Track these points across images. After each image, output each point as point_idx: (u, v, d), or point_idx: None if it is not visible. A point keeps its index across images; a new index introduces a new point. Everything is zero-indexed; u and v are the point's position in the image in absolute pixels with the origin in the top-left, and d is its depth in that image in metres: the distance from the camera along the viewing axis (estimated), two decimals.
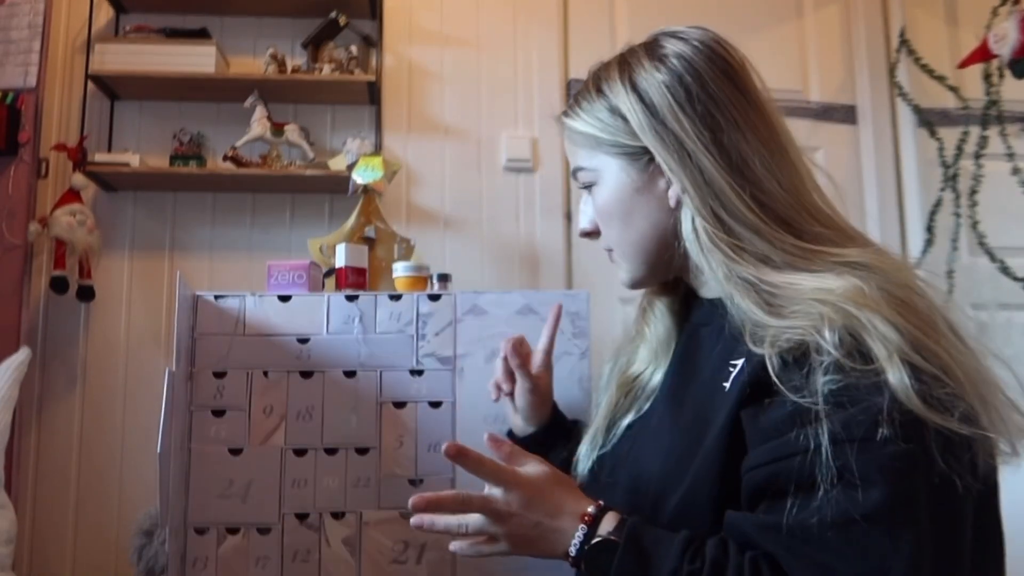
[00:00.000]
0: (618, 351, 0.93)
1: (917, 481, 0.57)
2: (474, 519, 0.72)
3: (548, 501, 0.72)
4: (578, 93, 0.83)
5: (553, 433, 1.03)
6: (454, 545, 0.75)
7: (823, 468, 0.58)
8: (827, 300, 0.62)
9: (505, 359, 1.00)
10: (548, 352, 1.03)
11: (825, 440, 0.58)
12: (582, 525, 0.70)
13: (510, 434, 1.07)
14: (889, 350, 0.59)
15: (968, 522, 0.59)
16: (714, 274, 0.71)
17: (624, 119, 0.76)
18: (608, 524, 0.70)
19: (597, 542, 0.68)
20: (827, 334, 0.61)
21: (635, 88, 0.75)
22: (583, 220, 0.85)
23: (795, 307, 0.64)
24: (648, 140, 0.74)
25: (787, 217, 0.70)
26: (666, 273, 0.81)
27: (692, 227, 0.72)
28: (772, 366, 0.63)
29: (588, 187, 0.82)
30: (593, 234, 0.84)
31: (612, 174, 0.79)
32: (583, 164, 0.81)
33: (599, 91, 0.79)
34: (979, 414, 0.59)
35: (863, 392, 0.59)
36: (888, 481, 0.56)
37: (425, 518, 0.73)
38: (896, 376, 0.58)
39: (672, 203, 0.75)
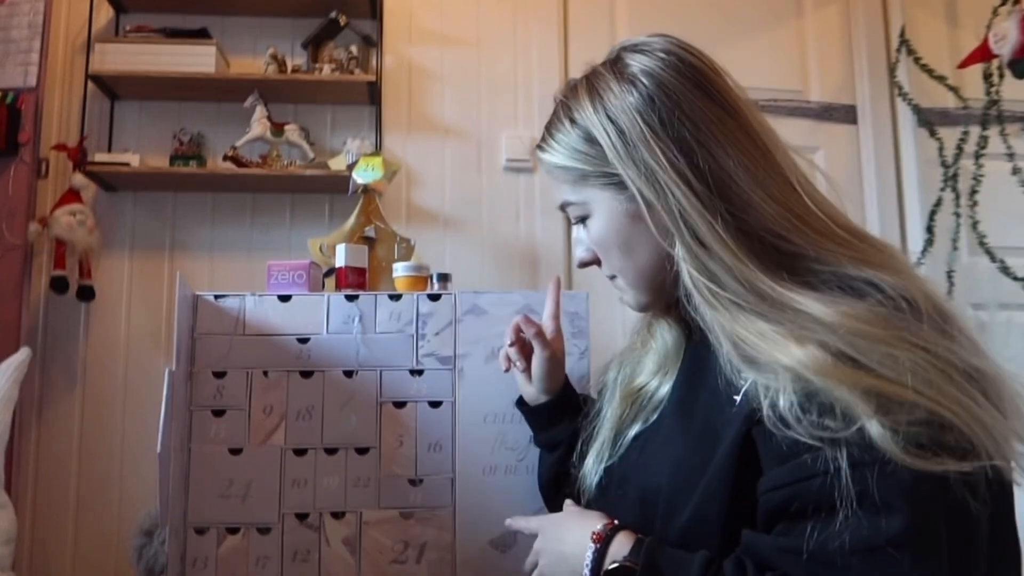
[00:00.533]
0: (621, 361, 0.92)
1: (937, 504, 0.56)
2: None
3: (561, 527, 0.78)
4: (549, 124, 0.81)
5: (565, 404, 1.03)
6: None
7: (843, 491, 0.57)
8: (790, 368, 0.61)
9: (518, 331, 1.01)
10: (556, 317, 1.05)
11: (844, 463, 0.57)
12: (591, 544, 0.70)
13: (520, 403, 1.08)
14: (867, 412, 0.57)
15: (983, 544, 0.58)
16: (698, 307, 0.70)
17: (602, 147, 0.74)
18: (621, 546, 0.70)
19: (614, 568, 0.68)
20: (785, 400, 0.60)
21: (607, 114, 0.73)
22: (579, 251, 0.83)
23: (764, 360, 0.63)
24: (624, 170, 0.72)
25: (776, 233, 0.68)
26: (673, 293, 0.77)
27: (680, 257, 0.71)
28: (767, 419, 0.62)
29: (581, 220, 0.80)
30: (593, 263, 0.83)
31: (603, 205, 0.77)
32: (570, 199, 0.80)
33: (572, 121, 0.77)
34: (979, 448, 0.57)
35: None
36: (910, 506, 0.55)
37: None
38: (878, 432, 0.56)
39: (670, 224, 0.71)
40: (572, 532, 0.75)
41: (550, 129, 0.80)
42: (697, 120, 0.71)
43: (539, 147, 0.82)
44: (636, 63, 0.74)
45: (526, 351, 1.02)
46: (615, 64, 0.77)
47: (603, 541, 0.70)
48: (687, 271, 0.70)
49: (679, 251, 0.70)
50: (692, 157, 0.69)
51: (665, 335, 0.85)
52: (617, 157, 0.72)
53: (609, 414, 0.88)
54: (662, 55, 0.74)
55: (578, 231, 0.83)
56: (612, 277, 0.82)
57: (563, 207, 0.82)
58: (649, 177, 0.70)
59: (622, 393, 0.88)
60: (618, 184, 0.74)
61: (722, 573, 0.63)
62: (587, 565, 0.69)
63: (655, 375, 0.85)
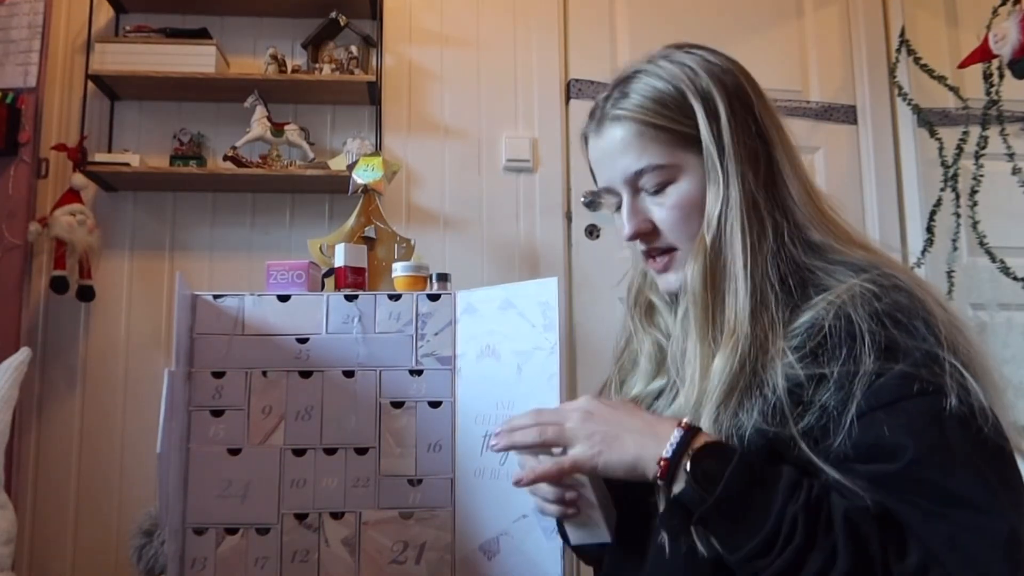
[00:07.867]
0: (621, 377, 0.90)
1: (947, 422, 0.61)
2: (552, 430, 0.73)
3: (627, 408, 0.74)
4: (628, 92, 0.79)
5: None
6: (519, 475, 0.75)
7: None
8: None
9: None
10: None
11: (854, 408, 0.63)
12: (679, 429, 0.67)
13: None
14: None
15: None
16: None
17: (711, 111, 0.76)
18: (708, 436, 0.68)
19: (710, 443, 0.66)
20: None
21: (710, 84, 0.77)
22: (632, 223, 0.80)
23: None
24: (715, 137, 0.76)
25: (806, 233, 0.75)
26: None
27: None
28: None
29: (661, 186, 0.78)
30: (646, 235, 0.80)
31: (698, 169, 0.77)
32: (660, 161, 0.77)
33: (676, 88, 0.77)
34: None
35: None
36: (917, 434, 0.61)
37: (504, 438, 0.76)
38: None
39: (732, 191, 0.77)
40: (635, 416, 0.72)
41: (642, 94, 0.78)
42: (765, 119, 0.78)
43: (624, 111, 0.78)
44: (718, 60, 0.80)
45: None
46: (699, 49, 0.81)
47: (691, 429, 0.68)
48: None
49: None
50: (756, 148, 0.77)
51: (646, 347, 0.86)
52: (714, 126, 0.76)
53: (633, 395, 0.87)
54: (733, 62, 0.82)
55: (641, 201, 0.80)
56: (669, 251, 0.80)
57: (642, 173, 0.78)
58: (729, 150, 0.75)
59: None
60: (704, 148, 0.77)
61: (822, 489, 0.63)
62: (671, 445, 0.67)
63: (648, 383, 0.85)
